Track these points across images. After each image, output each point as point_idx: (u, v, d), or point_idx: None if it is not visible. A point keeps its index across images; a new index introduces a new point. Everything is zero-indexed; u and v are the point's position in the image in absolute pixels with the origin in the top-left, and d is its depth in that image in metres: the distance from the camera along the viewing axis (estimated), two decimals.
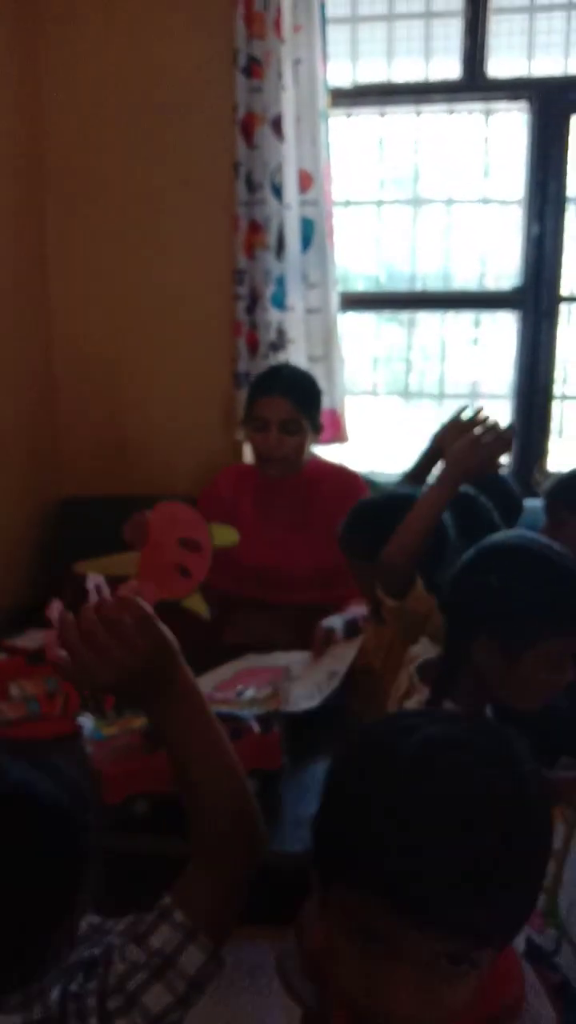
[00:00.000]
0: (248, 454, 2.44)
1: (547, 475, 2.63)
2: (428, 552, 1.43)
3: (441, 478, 1.51)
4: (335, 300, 2.63)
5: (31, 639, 1.92)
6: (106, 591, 1.77)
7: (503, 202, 2.80)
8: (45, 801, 0.83)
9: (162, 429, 2.83)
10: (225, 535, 1.34)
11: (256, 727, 1.52)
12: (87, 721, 1.55)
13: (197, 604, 1.27)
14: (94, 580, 1.76)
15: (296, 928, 0.98)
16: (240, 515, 2.17)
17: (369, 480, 2.38)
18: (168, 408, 2.82)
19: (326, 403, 2.54)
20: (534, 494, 2.52)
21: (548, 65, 2.62)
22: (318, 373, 2.60)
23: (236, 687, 1.69)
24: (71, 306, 2.82)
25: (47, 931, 0.81)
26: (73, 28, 2.65)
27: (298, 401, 2.11)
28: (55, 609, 1.66)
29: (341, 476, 2.25)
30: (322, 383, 2.57)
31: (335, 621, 1.90)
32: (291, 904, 1.34)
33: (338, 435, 2.69)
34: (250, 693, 1.67)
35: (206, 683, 1.71)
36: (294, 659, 1.86)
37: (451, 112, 2.73)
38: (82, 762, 1.43)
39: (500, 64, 2.63)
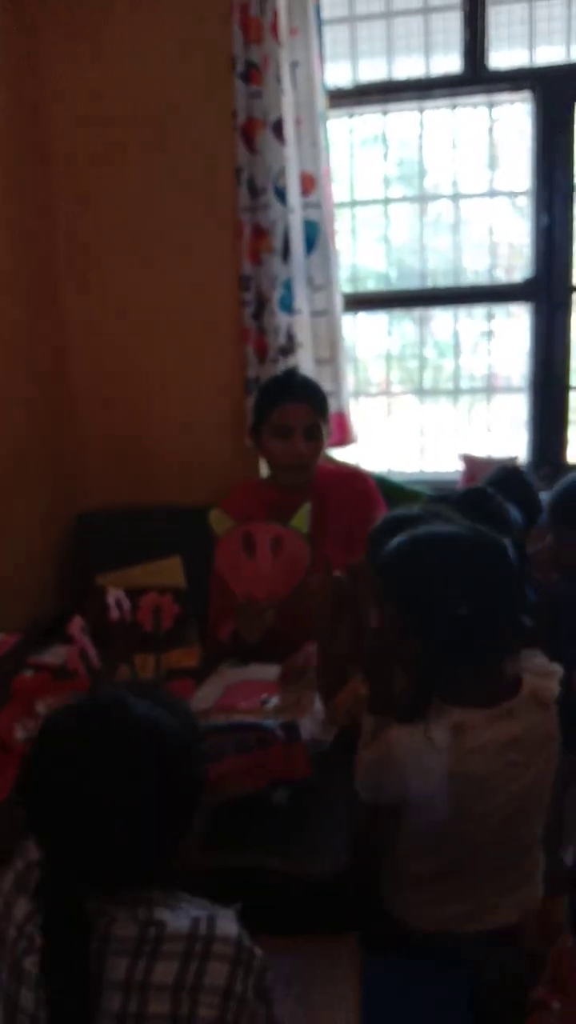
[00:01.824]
0: (263, 463, 2.43)
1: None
2: None
3: None
4: (339, 302, 2.62)
5: (56, 655, 1.91)
6: (127, 604, 1.78)
7: (511, 194, 2.78)
8: (168, 731, 0.97)
9: (175, 440, 2.83)
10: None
11: (282, 735, 1.51)
12: None
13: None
14: (115, 595, 1.78)
15: None
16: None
17: (382, 480, 2.36)
18: (181, 418, 2.82)
19: (333, 406, 2.53)
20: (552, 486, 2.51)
21: (550, 54, 2.59)
22: (325, 375, 2.59)
23: (261, 696, 1.68)
24: (82, 320, 2.83)
25: (169, 841, 0.97)
26: (71, 41, 2.65)
27: (318, 407, 2.10)
28: (76, 625, 1.67)
29: (351, 480, 2.23)
30: (329, 385, 2.57)
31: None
32: (323, 916, 1.35)
33: (346, 438, 2.67)
34: (274, 701, 1.67)
35: (202, 700, 1.70)
36: (271, 674, 1.81)
37: (454, 107, 2.71)
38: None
39: (501, 56, 2.60)
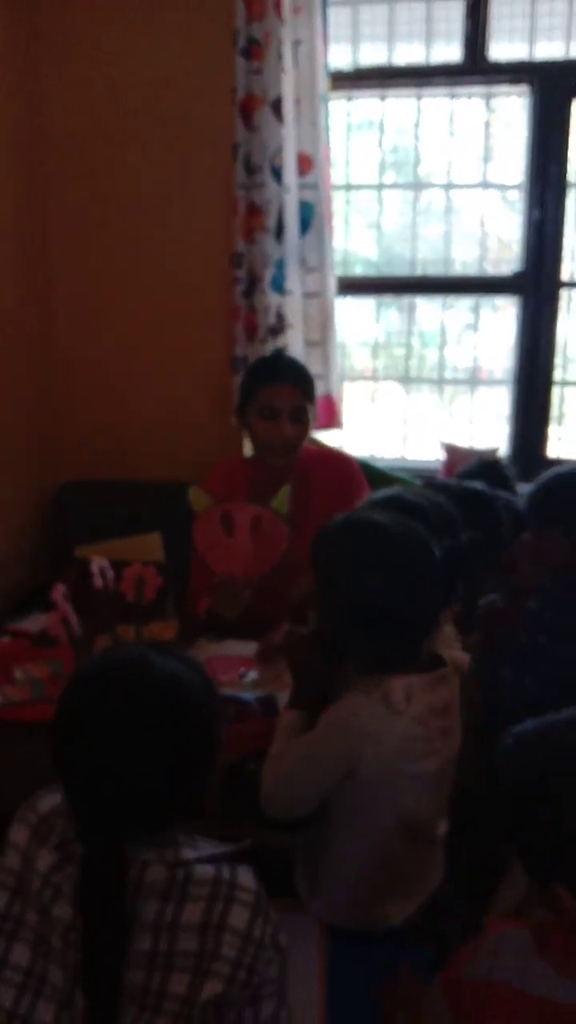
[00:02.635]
0: (247, 442, 2.43)
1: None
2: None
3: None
4: (333, 284, 2.62)
5: (35, 622, 1.92)
6: (110, 574, 1.79)
7: (503, 186, 2.80)
8: (188, 683, 1.03)
9: (160, 413, 2.83)
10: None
11: (259, 709, 1.53)
12: None
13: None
14: (99, 563, 1.79)
15: None
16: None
17: (365, 465, 2.38)
18: (165, 392, 2.82)
19: (321, 389, 2.54)
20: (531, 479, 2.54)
21: (550, 49, 2.61)
22: (315, 358, 2.60)
23: (239, 669, 1.70)
24: (69, 291, 2.81)
25: (193, 784, 1.03)
26: (71, 9, 2.62)
27: (305, 389, 2.11)
28: (59, 591, 1.68)
29: (335, 463, 2.24)
30: (318, 368, 2.57)
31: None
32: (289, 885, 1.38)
33: (333, 421, 2.68)
34: (253, 675, 1.69)
35: None
36: (249, 650, 1.83)
37: (452, 96, 2.72)
38: None
39: (501, 48, 2.62)
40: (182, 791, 1.03)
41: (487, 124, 2.75)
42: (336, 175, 2.69)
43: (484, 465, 2.33)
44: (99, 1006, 0.96)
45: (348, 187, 2.85)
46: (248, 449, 2.50)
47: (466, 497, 1.77)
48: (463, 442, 2.80)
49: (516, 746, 1.07)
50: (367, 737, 1.28)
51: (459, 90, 2.71)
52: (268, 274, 2.52)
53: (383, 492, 1.60)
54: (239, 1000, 0.98)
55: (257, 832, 1.22)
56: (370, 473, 2.36)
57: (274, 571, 1.90)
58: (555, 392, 2.80)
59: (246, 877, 1.01)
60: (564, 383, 2.83)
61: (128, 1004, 0.96)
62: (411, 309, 2.93)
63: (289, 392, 2.07)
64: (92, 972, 0.97)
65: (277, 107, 2.43)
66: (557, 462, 2.56)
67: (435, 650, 1.40)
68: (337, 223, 2.69)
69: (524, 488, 2.35)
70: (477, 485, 1.92)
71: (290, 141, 2.47)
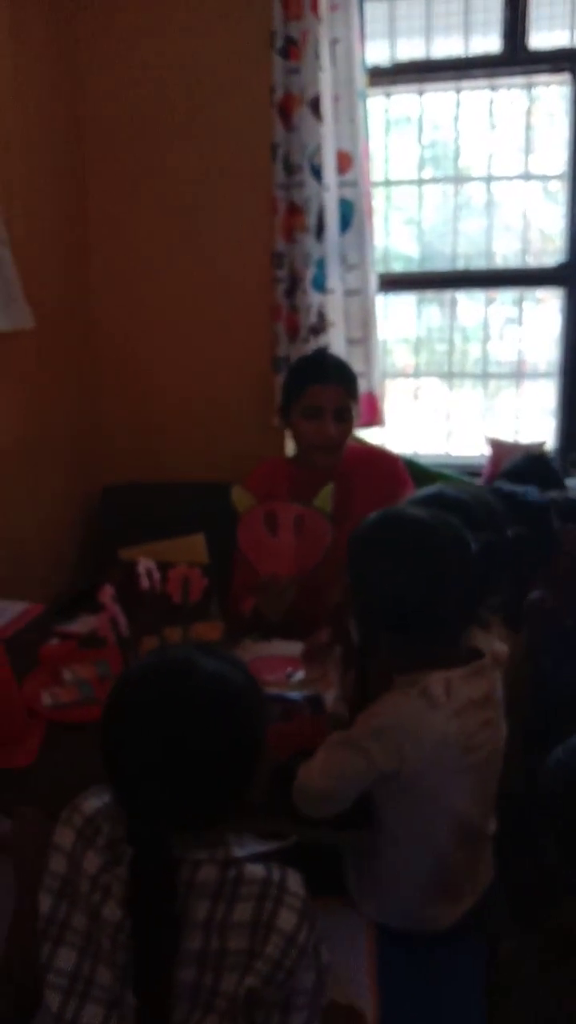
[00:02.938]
0: (289, 442, 2.43)
1: None
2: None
3: None
4: (374, 282, 2.61)
5: (83, 624, 1.94)
6: (156, 575, 1.80)
7: (545, 177, 2.76)
8: (235, 683, 1.04)
9: (202, 414, 2.84)
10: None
11: (307, 708, 1.53)
12: None
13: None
14: (145, 564, 1.80)
15: None
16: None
17: (409, 462, 2.36)
18: (208, 393, 2.83)
19: (363, 386, 2.52)
20: None
21: None
22: (356, 356, 2.59)
23: (286, 669, 1.70)
24: (112, 293, 2.84)
25: (241, 783, 1.03)
26: (111, 12, 2.65)
27: (349, 388, 2.10)
28: (107, 593, 1.69)
29: (378, 461, 2.22)
30: (360, 366, 2.56)
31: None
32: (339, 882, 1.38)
33: (376, 419, 2.67)
34: (300, 675, 1.68)
35: None
36: (295, 650, 1.81)
37: (492, 88, 2.69)
38: None
39: (541, 37, 2.58)
40: (230, 790, 1.03)
41: (528, 114, 2.71)
42: (375, 171, 2.68)
43: (530, 460, 2.31)
44: (150, 1005, 0.97)
45: (388, 183, 2.84)
46: (290, 449, 2.50)
47: (519, 506, 1.74)
48: (508, 437, 2.76)
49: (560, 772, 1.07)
50: (407, 735, 1.27)
51: (499, 81, 2.68)
52: (309, 273, 2.52)
53: (426, 489, 1.59)
54: (272, 1000, 0.98)
55: (306, 830, 1.23)
56: (414, 470, 2.34)
57: (318, 570, 1.91)
58: None
59: (295, 882, 1.01)
60: None
61: (179, 1002, 0.97)
62: (452, 304, 2.90)
63: (333, 392, 2.06)
64: (143, 971, 0.97)
65: (315, 106, 2.43)
66: None
67: (474, 644, 1.38)
68: (377, 220, 2.67)
69: (573, 483, 2.33)
70: (533, 493, 1.88)
71: (329, 139, 2.47)
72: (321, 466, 2.11)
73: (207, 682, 1.02)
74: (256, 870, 1.01)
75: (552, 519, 1.78)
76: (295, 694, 1.57)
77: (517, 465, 2.28)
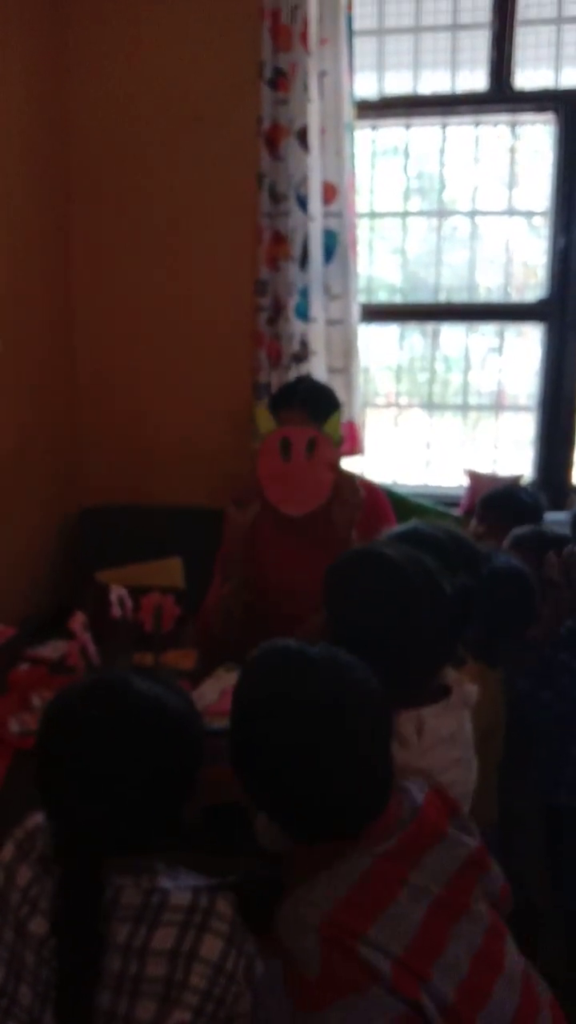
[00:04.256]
0: None
1: None
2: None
3: None
4: (356, 312, 2.62)
5: (54, 649, 1.93)
6: (129, 603, 1.79)
7: (529, 213, 2.79)
8: (169, 705, 1.03)
9: (181, 440, 2.84)
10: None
11: None
12: None
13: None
14: (117, 592, 1.79)
15: None
16: (259, 534, 2.16)
17: (389, 491, 2.36)
18: (188, 419, 2.83)
19: (344, 416, 2.52)
20: (558, 507, 2.52)
21: (575, 77, 2.60)
22: (337, 385, 2.59)
23: None
24: (94, 316, 2.84)
25: (170, 808, 1.03)
26: (100, 39, 2.67)
27: (312, 413, 2.09)
28: (78, 621, 1.68)
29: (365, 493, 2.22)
30: (341, 395, 2.55)
31: None
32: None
33: (355, 448, 2.67)
34: None
35: (198, 702, 1.68)
36: None
37: (477, 124, 2.73)
38: None
39: (527, 76, 2.62)
40: (158, 814, 1.02)
41: (512, 151, 2.75)
42: (361, 202, 2.70)
43: (506, 494, 2.30)
44: None
45: (373, 214, 2.86)
46: None
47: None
48: (487, 468, 2.78)
49: None
50: None
51: (484, 118, 2.72)
52: (292, 302, 2.53)
53: (402, 526, 1.59)
54: None
55: (253, 864, 1.20)
56: (393, 499, 2.34)
57: (294, 598, 1.90)
58: None
59: (225, 906, 0.99)
60: None
61: None
62: (435, 334, 2.92)
63: (297, 417, 2.06)
64: (64, 992, 0.96)
65: (303, 136, 2.45)
66: None
67: (443, 681, 1.37)
68: (362, 249, 2.69)
69: (551, 516, 2.33)
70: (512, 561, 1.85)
71: (315, 170, 2.49)
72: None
73: (140, 703, 1.02)
74: (181, 897, 0.99)
75: (532, 587, 1.76)
76: None
77: (496, 495, 2.28)
